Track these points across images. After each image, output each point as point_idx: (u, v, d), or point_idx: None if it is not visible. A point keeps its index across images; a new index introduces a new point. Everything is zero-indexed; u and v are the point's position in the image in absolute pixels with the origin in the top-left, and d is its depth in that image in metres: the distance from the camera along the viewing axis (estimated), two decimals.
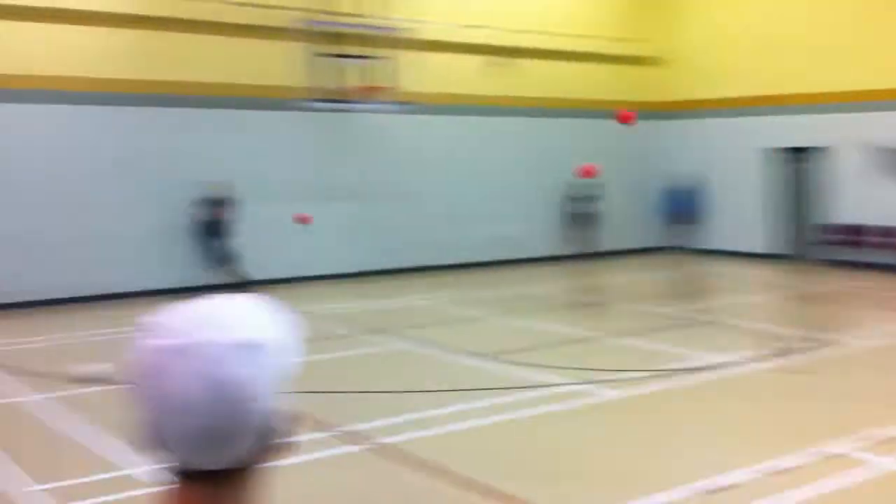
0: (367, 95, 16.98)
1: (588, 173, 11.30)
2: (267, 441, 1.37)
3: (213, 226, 15.60)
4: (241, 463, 1.36)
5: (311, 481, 6.82)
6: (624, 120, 11.77)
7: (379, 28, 17.50)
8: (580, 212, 18.10)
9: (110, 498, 6.53)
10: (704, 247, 21.20)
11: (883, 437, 7.59)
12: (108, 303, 15.11)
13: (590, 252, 18.39)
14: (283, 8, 16.87)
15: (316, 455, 7.19)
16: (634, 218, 22.05)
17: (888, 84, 18.43)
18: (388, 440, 7.66)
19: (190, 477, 1.35)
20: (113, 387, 9.45)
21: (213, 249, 15.57)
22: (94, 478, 6.91)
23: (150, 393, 1.32)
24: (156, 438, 1.34)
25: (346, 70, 17.11)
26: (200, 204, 15.63)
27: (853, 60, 18.95)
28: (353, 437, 7.75)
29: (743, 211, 20.96)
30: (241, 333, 1.32)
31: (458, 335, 12.31)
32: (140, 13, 15.69)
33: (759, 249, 20.86)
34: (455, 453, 7.40)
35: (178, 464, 1.35)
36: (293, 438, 1.40)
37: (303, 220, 9.68)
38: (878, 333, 12.27)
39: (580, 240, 18.26)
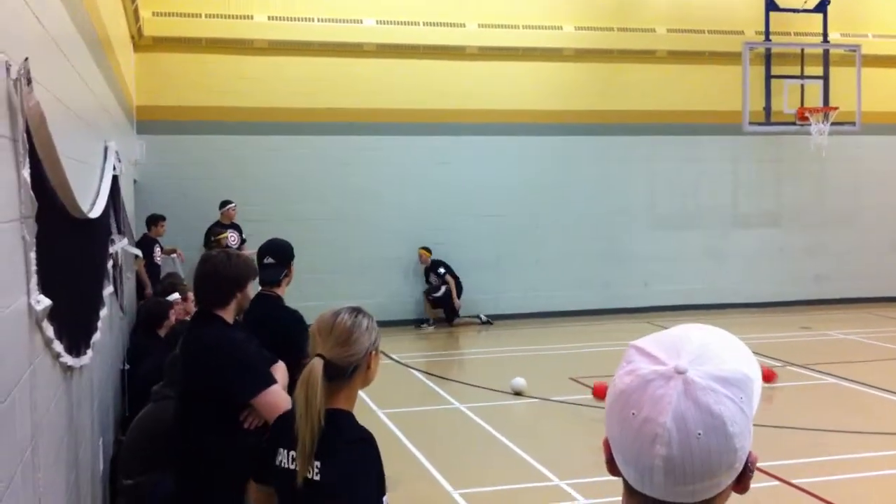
0: (810, 117, 16.47)
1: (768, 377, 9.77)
2: (735, 481, 1.33)
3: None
4: (706, 499, 1.31)
5: None
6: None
7: (828, 45, 16.89)
8: None
9: None
10: None
11: None
12: (544, 320, 16.17)
13: None
14: (721, 32, 16.93)
15: None
16: None
17: None
18: (808, 480, 7.48)
19: (649, 503, 1.32)
20: (533, 400, 10.27)
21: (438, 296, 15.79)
22: (522, 486, 7.44)
23: (623, 416, 1.30)
24: (622, 461, 1.32)
25: (789, 91, 16.73)
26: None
27: None
28: (771, 473, 7.62)
29: None
30: (719, 366, 1.29)
31: (890, 374, 11.56)
32: (585, 47, 16.55)
33: None
34: (874, 501, 7.14)
35: (639, 490, 1.32)
36: (751, 478, 1.35)
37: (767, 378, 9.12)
38: None
39: None
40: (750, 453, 1.33)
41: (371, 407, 9.66)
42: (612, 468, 1.36)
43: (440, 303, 15.75)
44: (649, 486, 1.29)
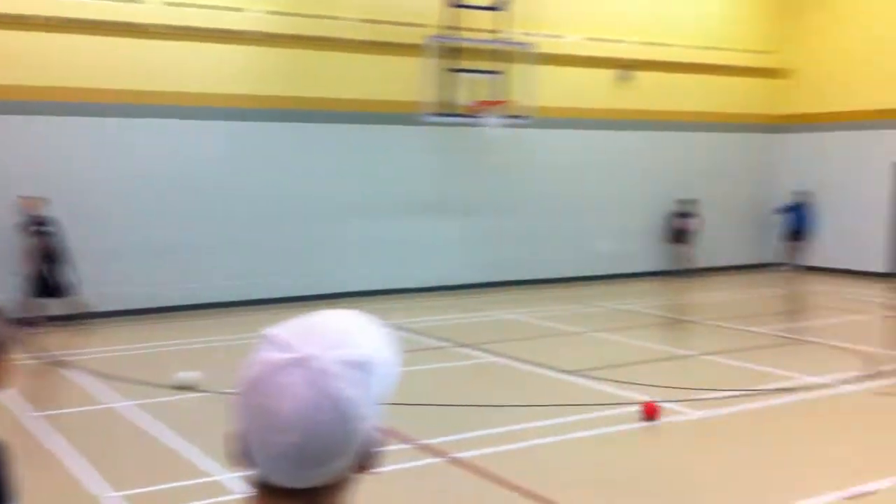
0: (487, 110, 17.35)
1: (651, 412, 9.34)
2: (361, 461, 1.35)
3: (46, 253, 13.78)
4: (331, 482, 1.33)
5: (387, 492, 7.21)
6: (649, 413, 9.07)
7: (504, 42, 17.81)
8: (678, 228, 19.47)
9: None
10: (817, 264, 21.08)
11: None
12: (219, 310, 15.76)
13: (688, 268, 19.23)
14: (407, 24, 17.36)
15: (394, 466, 7.44)
16: (747, 234, 21.99)
17: None
18: (466, 454, 7.88)
19: (276, 493, 1.32)
20: (204, 394, 9.94)
21: (46, 278, 13.81)
22: (179, 484, 7.24)
23: (251, 406, 1.29)
24: (250, 452, 1.32)
25: (467, 84, 17.47)
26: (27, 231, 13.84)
27: None
28: (432, 450, 8.01)
29: (861, 228, 20.46)
30: (348, 351, 1.30)
31: (550, 350, 12.49)
32: (270, 31, 16.37)
33: (877, 268, 20.29)
34: (531, 469, 7.59)
35: (265, 479, 1.32)
36: (383, 456, 1.38)
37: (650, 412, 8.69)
38: None
39: (678, 256, 19.87)
40: (378, 434, 1.35)
41: (23, 411, 9.13)
42: (241, 460, 1.35)
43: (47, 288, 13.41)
44: (275, 473, 1.30)
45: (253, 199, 16.36)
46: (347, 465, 1.32)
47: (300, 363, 1.27)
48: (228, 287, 16.14)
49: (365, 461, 1.35)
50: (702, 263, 20.45)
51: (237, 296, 16.11)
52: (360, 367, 1.30)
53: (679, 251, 20.25)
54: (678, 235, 20.20)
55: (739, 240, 21.81)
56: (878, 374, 10.99)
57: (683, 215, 20.20)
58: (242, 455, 1.33)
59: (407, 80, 17.16)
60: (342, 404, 1.27)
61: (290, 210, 16.71)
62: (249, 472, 1.34)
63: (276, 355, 1.29)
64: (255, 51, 16.38)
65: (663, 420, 9.02)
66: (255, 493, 1.34)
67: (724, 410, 9.43)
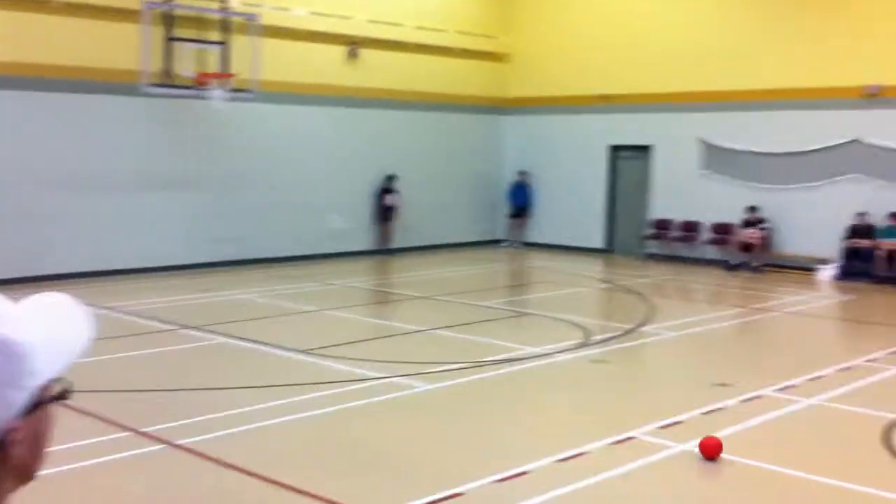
0: (210, 82, 16.68)
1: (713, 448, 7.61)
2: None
3: None
4: None
5: (107, 483, 6.76)
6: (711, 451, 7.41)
7: (228, 13, 17.21)
8: (384, 205, 20.12)
9: None
10: (540, 241, 22.30)
11: (671, 422, 8.07)
12: None
13: (391, 246, 20.00)
14: None
15: (115, 456, 7.13)
16: (473, 211, 22.69)
17: (715, 86, 19.41)
18: (191, 440, 7.55)
19: None
20: None
21: None
22: None
23: None
24: None
25: (191, 55, 16.74)
26: None
27: (683, 64, 19.88)
28: (153, 437, 7.60)
29: (580, 206, 21.70)
30: None
31: (279, 329, 12.27)
32: None
33: (594, 244, 21.59)
34: (263, 451, 7.41)
35: None
36: (18, 455, 1.25)
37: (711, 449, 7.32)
38: (681, 323, 13.01)
39: (384, 234, 20.28)
40: (14, 429, 1.23)
41: None
42: None
43: None
44: None
45: None
46: None
47: None
48: None
49: (2, 451, 1.23)
50: (414, 241, 20.87)
51: None
52: None
53: (386, 228, 20.53)
54: (385, 212, 20.46)
55: (466, 217, 22.46)
56: (593, 343, 11.62)
57: (388, 192, 20.46)
58: None
59: (125, 48, 16.15)
60: None
61: None
62: None
63: None
64: None
65: (395, 394, 9.05)
66: None
67: (453, 382, 9.61)
